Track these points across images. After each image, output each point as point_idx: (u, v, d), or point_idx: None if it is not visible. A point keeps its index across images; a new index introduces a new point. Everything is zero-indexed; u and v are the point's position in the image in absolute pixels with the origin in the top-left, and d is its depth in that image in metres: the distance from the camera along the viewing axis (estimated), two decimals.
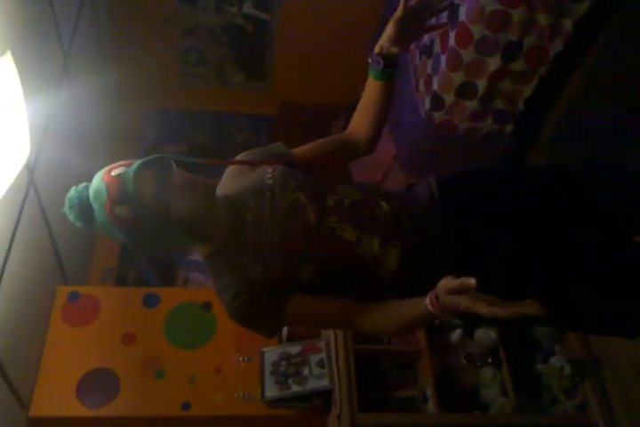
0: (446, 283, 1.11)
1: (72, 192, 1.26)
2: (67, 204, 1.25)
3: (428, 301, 1.15)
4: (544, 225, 1.35)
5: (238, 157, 1.42)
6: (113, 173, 1.21)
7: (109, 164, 1.27)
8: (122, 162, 1.25)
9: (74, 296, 2.45)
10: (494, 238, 1.33)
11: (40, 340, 2.32)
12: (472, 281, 1.05)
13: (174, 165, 1.25)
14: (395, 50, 1.38)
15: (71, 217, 1.25)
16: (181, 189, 1.21)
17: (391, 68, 1.39)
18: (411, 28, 1.38)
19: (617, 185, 1.42)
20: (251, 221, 1.29)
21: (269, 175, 1.34)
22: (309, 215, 1.28)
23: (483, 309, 1.06)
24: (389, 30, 1.37)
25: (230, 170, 1.42)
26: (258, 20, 3.31)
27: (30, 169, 2.09)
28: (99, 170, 1.27)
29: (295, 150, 1.45)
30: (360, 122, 1.46)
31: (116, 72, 3.14)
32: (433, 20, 1.52)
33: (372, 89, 1.43)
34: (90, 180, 1.27)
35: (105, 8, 3.06)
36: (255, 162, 1.37)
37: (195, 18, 3.27)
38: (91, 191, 1.23)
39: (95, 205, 1.22)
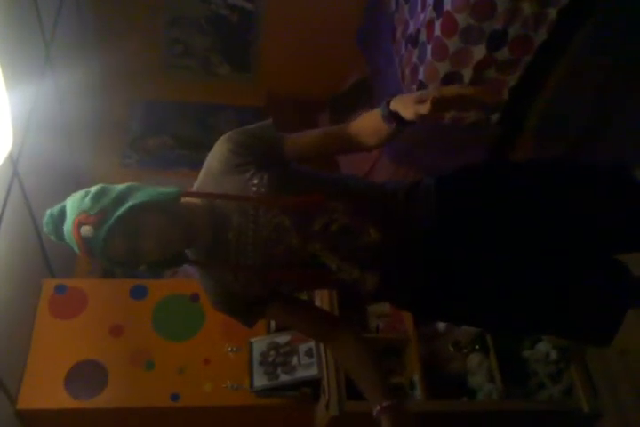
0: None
1: (47, 218, 1.24)
2: (45, 227, 1.24)
3: (374, 412, 1.25)
4: (534, 254, 1.34)
5: (219, 144, 1.32)
6: (82, 233, 1.16)
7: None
8: (90, 213, 1.17)
9: (60, 289, 2.44)
10: (479, 273, 1.34)
11: (27, 333, 2.31)
12: None
13: (145, 224, 1.19)
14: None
15: (52, 238, 1.26)
16: (152, 254, 1.20)
17: (405, 126, 1.25)
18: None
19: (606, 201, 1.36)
20: (233, 242, 1.28)
21: (254, 188, 1.27)
22: (292, 241, 1.27)
23: None
24: (407, 114, 1.18)
25: (211, 160, 1.33)
26: (242, 10, 3.29)
27: (14, 161, 2.07)
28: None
29: (293, 138, 1.34)
30: (368, 135, 1.32)
31: (100, 63, 3.12)
32: None
33: (379, 126, 1.27)
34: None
35: None
36: (244, 198, 1.26)
37: (179, 8, 3.24)
38: (64, 231, 1.21)
39: (72, 246, 1.22)
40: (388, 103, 1.23)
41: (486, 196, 1.36)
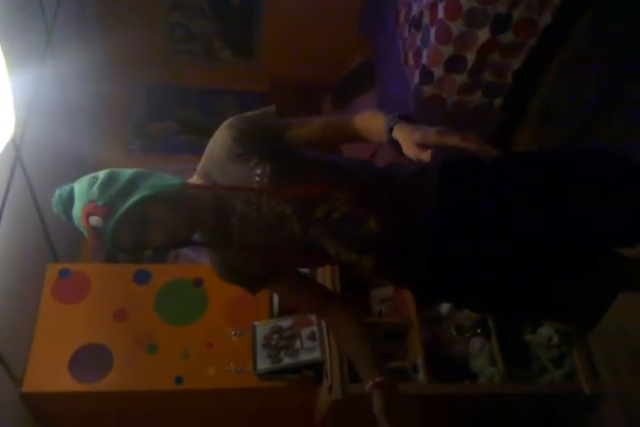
0: (380, 416, 1.24)
1: (57, 199, 1.24)
2: (54, 208, 1.25)
3: (367, 387, 1.28)
4: (534, 247, 1.33)
5: (221, 130, 1.32)
6: (91, 222, 1.18)
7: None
8: (98, 203, 1.18)
9: (64, 273, 2.45)
10: (479, 265, 1.34)
11: (31, 317, 2.33)
12: None
13: (151, 214, 1.20)
14: None
15: (62, 218, 1.27)
16: (158, 242, 1.22)
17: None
18: None
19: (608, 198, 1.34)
20: (236, 227, 1.30)
21: (257, 179, 1.27)
22: (294, 228, 1.28)
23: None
24: (407, 152, 1.23)
25: (214, 146, 1.33)
26: None
27: (16, 146, 2.07)
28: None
29: (295, 127, 1.34)
30: (370, 135, 1.34)
31: (102, 47, 3.10)
32: None
33: (381, 133, 1.29)
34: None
35: None
36: (247, 189, 1.27)
37: None
38: (74, 217, 1.22)
39: (80, 229, 1.23)
40: (392, 129, 1.26)
41: (488, 188, 1.35)
